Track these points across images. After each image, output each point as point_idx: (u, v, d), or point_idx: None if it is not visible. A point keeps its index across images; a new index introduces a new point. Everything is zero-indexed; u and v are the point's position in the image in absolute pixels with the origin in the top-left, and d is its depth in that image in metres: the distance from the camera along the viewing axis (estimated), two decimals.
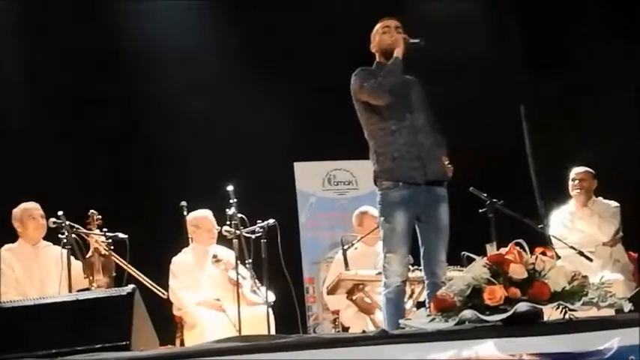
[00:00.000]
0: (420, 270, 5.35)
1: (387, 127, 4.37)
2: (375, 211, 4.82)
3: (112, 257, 5.11)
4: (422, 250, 4.41)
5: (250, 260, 5.38)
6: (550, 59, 7.52)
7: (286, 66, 7.21)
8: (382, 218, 4.37)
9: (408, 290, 5.53)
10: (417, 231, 4.41)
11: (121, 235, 5.17)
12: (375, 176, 4.43)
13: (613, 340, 2.89)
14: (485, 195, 5.04)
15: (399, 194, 4.30)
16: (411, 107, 4.42)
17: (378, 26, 4.54)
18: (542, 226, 5.49)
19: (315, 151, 7.35)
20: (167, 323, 5.58)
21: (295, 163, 7.46)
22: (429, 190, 4.35)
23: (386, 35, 4.47)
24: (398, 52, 4.38)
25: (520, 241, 3.21)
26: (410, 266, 5.44)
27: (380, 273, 4.98)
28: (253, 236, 5.33)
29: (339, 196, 7.63)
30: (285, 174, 7.36)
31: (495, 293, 3.00)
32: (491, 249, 4.54)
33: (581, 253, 5.39)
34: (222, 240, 5.67)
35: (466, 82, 7.43)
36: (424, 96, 4.55)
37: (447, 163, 4.44)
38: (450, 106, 7.10)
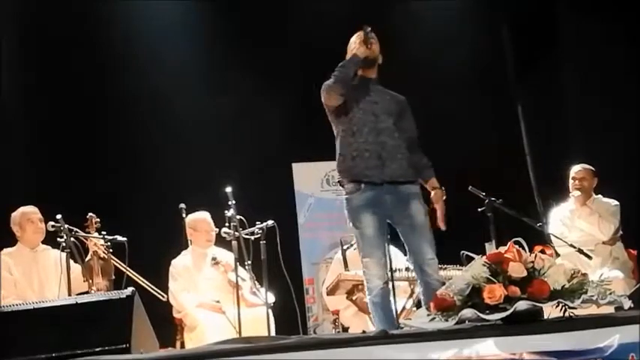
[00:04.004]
0: None
1: (349, 129, 4.33)
2: None
3: (111, 260, 5.10)
4: (407, 251, 4.35)
5: (249, 262, 5.37)
6: (547, 56, 7.52)
7: (284, 66, 7.21)
8: (351, 224, 4.31)
9: (408, 290, 5.54)
10: (398, 233, 4.36)
11: (119, 237, 5.17)
12: (338, 178, 4.39)
13: (613, 338, 2.89)
14: (483, 194, 5.03)
15: (363, 197, 4.24)
16: (376, 111, 4.34)
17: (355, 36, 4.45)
18: (540, 224, 5.50)
19: (313, 151, 7.35)
20: (167, 325, 5.57)
21: (293, 164, 7.46)
22: (393, 191, 4.26)
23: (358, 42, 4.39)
24: (359, 52, 4.33)
25: (519, 239, 3.21)
26: (410, 265, 5.48)
27: None
28: (252, 238, 5.32)
29: (337, 197, 7.60)
30: (284, 175, 7.36)
31: (495, 292, 3.00)
32: (491, 248, 4.54)
33: (580, 251, 5.38)
34: (221, 242, 5.66)
35: (464, 82, 7.45)
36: (399, 111, 4.44)
37: (434, 188, 4.35)
38: (449, 105, 7.18)
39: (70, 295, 4.82)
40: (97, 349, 3.30)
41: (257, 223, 5.34)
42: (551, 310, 3.16)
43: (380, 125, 4.31)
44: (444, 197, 4.38)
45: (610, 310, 3.63)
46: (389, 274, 4.44)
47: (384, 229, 4.30)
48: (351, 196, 4.28)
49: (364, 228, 4.23)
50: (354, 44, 4.41)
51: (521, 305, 2.99)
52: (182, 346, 5.54)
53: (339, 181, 4.41)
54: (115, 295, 3.63)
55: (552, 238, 5.56)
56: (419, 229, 4.27)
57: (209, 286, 5.71)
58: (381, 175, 4.24)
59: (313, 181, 7.60)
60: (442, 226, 4.35)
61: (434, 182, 4.42)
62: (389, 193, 4.26)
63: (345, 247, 5.60)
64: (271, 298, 5.43)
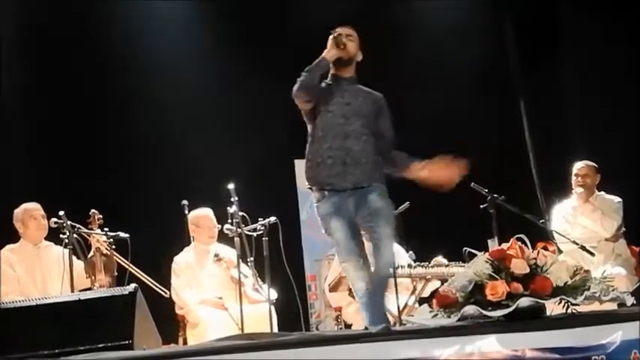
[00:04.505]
0: (422, 266, 5.41)
1: (316, 134, 4.28)
2: None
3: (114, 257, 5.11)
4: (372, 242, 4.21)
5: (252, 258, 5.37)
6: (549, 55, 7.52)
7: (285, 65, 7.19)
8: (323, 231, 4.28)
9: (410, 287, 5.55)
10: (366, 231, 4.27)
11: (122, 234, 5.17)
12: (307, 185, 4.36)
13: (616, 334, 2.89)
14: (486, 190, 5.03)
15: (329, 204, 4.19)
16: (347, 113, 4.25)
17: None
18: (543, 221, 5.50)
19: None
20: (169, 322, 5.57)
21: (296, 160, 7.44)
22: (355, 194, 4.19)
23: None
24: (328, 55, 4.24)
25: (522, 236, 3.22)
26: (412, 262, 5.50)
27: None
28: (255, 234, 5.32)
29: None
30: (286, 171, 7.35)
31: (497, 289, 3.01)
32: (493, 244, 4.54)
33: (583, 248, 5.38)
34: (223, 238, 5.66)
35: (466, 79, 7.45)
36: (375, 111, 4.33)
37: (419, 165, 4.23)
38: (451, 103, 7.18)
39: (72, 291, 4.82)
40: (100, 346, 3.31)
41: (259, 219, 5.34)
42: (553, 307, 3.16)
43: (347, 129, 4.22)
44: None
45: (612, 306, 3.64)
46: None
47: (355, 233, 4.23)
48: (319, 204, 4.25)
49: (335, 234, 4.18)
50: (327, 45, 4.30)
51: (524, 302, 3.00)
52: (185, 342, 5.54)
53: (309, 187, 4.36)
54: (117, 291, 3.65)
55: (555, 234, 5.56)
56: (377, 212, 4.14)
57: (211, 282, 5.71)
58: (343, 183, 4.18)
59: None
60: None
61: (414, 163, 4.25)
62: (352, 197, 4.19)
63: None
64: (273, 294, 5.44)
